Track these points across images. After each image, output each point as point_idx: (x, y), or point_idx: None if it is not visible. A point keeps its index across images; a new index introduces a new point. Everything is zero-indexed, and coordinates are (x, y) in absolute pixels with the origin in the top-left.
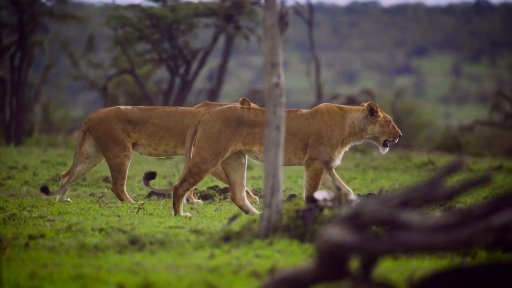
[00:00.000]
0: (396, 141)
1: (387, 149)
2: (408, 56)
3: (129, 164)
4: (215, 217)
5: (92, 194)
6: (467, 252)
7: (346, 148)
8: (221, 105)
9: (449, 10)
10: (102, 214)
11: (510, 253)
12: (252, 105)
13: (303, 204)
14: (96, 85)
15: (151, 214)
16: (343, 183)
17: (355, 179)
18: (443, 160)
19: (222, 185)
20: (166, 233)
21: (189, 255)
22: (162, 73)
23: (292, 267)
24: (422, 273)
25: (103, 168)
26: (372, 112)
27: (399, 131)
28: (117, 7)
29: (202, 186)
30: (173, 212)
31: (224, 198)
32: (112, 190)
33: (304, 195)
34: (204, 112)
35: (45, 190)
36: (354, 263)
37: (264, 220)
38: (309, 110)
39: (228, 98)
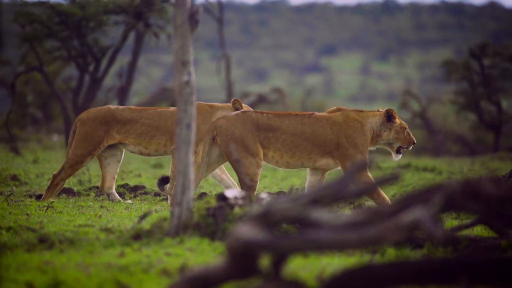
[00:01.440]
0: (410, 148)
1: (400, 156)
2: (317, 55)
3: (86, 164)
4: (125, 215)
5: (0, 193)
6: (376, 250)
7: None
8: (213, 104)
9: (357, 9)
10: (10, 213)
11: (418, 250)
12: (244, 105)
13: (213, 202)
14: (4, 83)
15: (61, 212)
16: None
17: (265, 177)
18: None
19: (132, 183)
20: (76, 232)
21: (99, 253)
22: (71, 70)
23: (202, 265)
24: (332, 270)
25: (10, 167)
26: (390, 118)
27: (414, 138)
28: (25, 3)
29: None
30: None
31: (135, 196)
32: (54, 176)
33: None
34: (219, 118)
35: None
36: (265, 261)
37: (175, 218)
38: (325, 115)
39: (138, 96)
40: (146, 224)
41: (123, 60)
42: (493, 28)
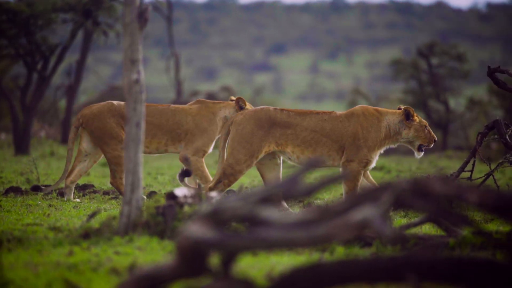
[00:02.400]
0: (431, 145)
1: (422, 154)
2: (266, 54)
3: None
4: (74, 214)
5: None
6: (326, 248)
7: (381, 151)
8: (214, 102)
9: (306, 7)
10: None
11: (367, 248)
12: (248, 105)
13: (163, 201)
14: None
15: (9, 211)
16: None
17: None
18: None
19: (81, 181)
20: (24, 231)
21: (48, 252)
22: (19, 68)
23: (152, 264)
24: (281, 269)
25: None
26: (408, 116)
27: (435, 136)
28: None
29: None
30: None
31: (84, 195)
32: (112, 183)
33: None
34: (238, 113)
35: (36, 188)
36: (214, 260)
37: (124, 217)
38: (344, 112)
39: (86, 94)
40: (95, 223)
41: (71, 58)
42: (441, 28)
